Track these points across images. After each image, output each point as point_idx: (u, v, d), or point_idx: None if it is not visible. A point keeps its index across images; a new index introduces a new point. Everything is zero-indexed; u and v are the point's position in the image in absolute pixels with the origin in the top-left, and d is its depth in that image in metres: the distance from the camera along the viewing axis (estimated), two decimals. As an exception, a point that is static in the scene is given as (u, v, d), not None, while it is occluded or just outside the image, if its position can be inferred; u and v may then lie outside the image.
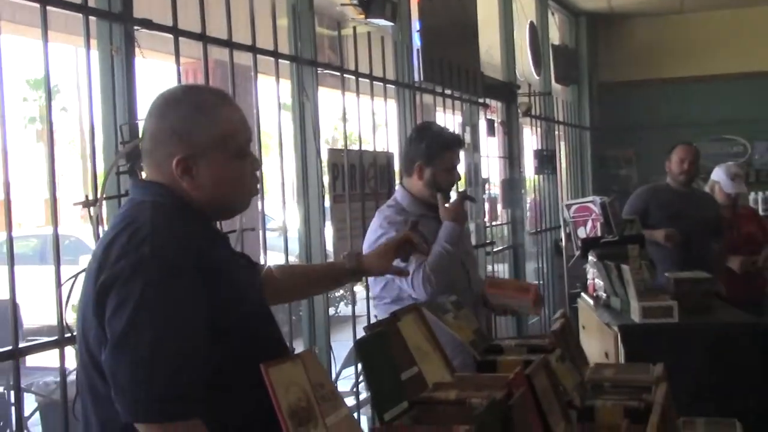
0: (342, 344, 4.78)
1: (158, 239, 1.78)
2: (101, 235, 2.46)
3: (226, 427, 1.79)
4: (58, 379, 6.54)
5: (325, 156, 4.12)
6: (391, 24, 4.91)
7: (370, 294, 3.53)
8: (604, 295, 4.42)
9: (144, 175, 1.99)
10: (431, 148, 3.43)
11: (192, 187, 1.89)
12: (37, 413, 6.96)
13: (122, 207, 1.99)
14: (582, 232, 5.80)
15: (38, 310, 6.93)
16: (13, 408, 6.80)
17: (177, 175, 1.88)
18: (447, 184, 3.49)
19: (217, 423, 1.76)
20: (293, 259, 4.02)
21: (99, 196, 2.56)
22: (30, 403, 7.04)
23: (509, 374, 1.99)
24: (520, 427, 1.81)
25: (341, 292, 9.66)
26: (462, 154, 3.63)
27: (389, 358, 1.89)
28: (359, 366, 4.48)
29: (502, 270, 6.83)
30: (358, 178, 4.33)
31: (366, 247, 3.43)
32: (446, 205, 3.45)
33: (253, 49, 3.55)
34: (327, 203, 4.17)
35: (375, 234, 3.42)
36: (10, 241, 2.45)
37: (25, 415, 7.01)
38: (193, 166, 1.88)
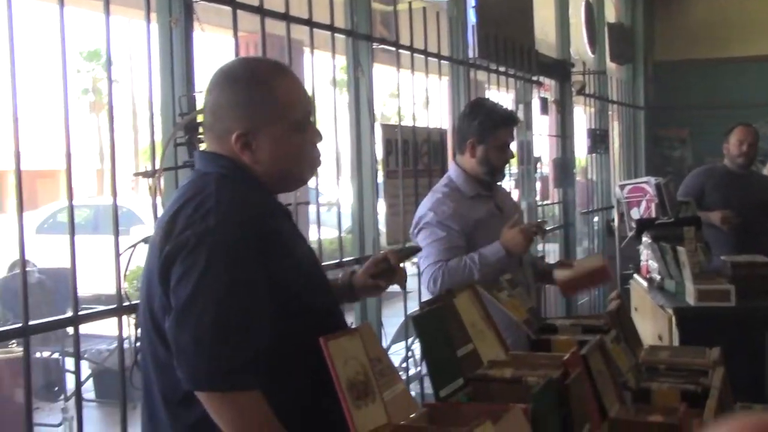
0: (391, 320, 4.80)
1: (223, 211, 1.80)
2: (163, 206, 2.50)
3: (284, 399, 1.80)
4: (111, 347, 6.67)
5: (378, 132, 4.11)
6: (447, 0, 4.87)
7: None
8: (658, 277, 4.37)
9: (203, 147, 2.00)
10: (484, 125, 3.37)
11: (252, 161, 1.89)
12: (90, 379, 7.11)
13: (187, 178, 2.01)
14: (636, 213, 5.74)
15: (90, 280, 7.05)
16: (67, 374, 6.98)
17: (237, 150, 1.88)
18: (500, 162, 3.44)
19: (274, 395, 1.77)
20: (345, 235, 4.02)
21: (158, 167, 2.58)
22: (83, 369, 7.20)
23: (564, 354, 1.98)
24: (576, 407, 1.80)
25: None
26: (515, 131, 3.57)
27: (446, 335, 1.88)
28: (411, 341, 4.49)
29: (553, 250, 6.78)
30: (411, 154, 4.31)
31: (415, 217, 3.42)
32: (513, 228, 3.26)
33: (309, 23, 3.54)
34: (380, 179, 4.16)
35: (420, 212, 3.41)
36: (71, 210, 2.48)
37: (80, 380, 7.18)
38: (252, 141, 1.88)
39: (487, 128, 3.37)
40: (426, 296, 3.16)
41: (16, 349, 6.59)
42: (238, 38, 3.15)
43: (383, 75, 4.48)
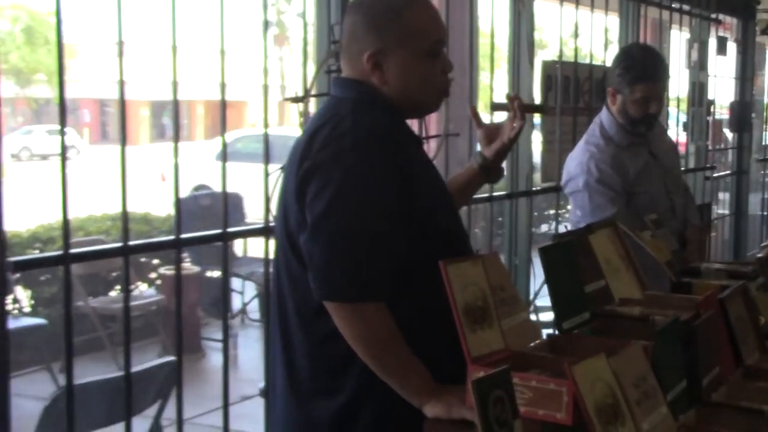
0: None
1: (358, 132, 1.87)
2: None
3: (404, 318, 1.85)
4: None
5: (538, 68, 4.05)
6: (620, -69, 4.70)
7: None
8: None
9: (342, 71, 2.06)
10: (622, 77, 3.22)
11: (381, 82, 1.95)
12: (256, 300, 7.46)
13: (324, 102, 2.09)
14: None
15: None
16: (234, 293, 7.35)
17: (367, 70, 1.94)
18: (637, 115, 3.24)
19: (396, 313, 1.83)
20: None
21: (307, 92, 2.66)
22: (250, 291, 7.57)
23: (701, 297, 1.93)
24: (704, 351, 1.75)
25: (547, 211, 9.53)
26: (661, 87, 3.33)
27: (574, 269, 1.87)
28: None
29: (722, 198, 6.51)
30: (572, 92, 4.23)
31: (565, 171, 3.35)
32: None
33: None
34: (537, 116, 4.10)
35: (574, 169, 3.28)
36: (224, 141, 2.60)
37: (246, 301, 7.55)
38: (383, 61, 1.94)
39: (625, 80, 3.22)
40: None
41: (190, 266, 7.01)
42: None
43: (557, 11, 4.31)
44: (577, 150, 3.36)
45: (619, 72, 3.25)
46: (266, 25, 2.77)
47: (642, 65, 3.24)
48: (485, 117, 2.46)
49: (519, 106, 2.20)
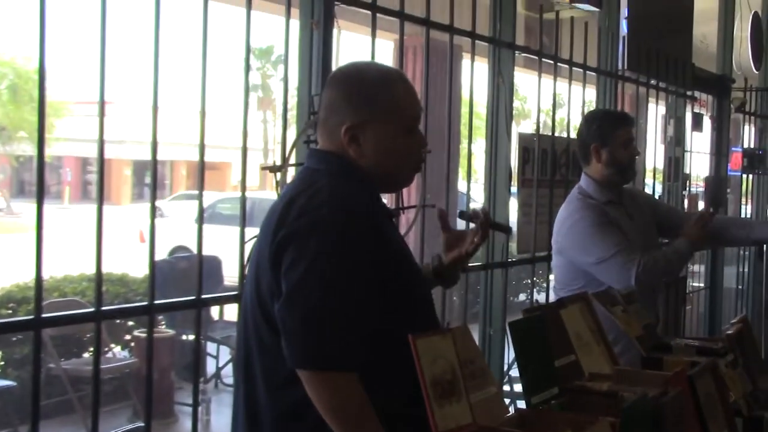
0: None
1: (335, 203, 1.90)
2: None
3: (374, 389, 1.85)
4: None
5: (515, 140, 4.11)
6: (597, 9, 4.80)
7: (553, 280, 3.48)
8: (803, 305, 4.16)
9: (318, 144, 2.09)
10: (603, 128, 3.40)
11: (358, 155, 1.98)
12: (230, 365, 7.39)
13: (299, 173, 2.12)
14: (789, 238, 5.45)
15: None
16: (209, 357, 7.28)
17: (344, 143, 1.98)
18: (627, 159, 3.42)
19: (366, 384, 1.83)
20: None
21: (285, 162, 2.69)
22: (225, 355, 7.50)
23: (670, 373, 1.94)
24: (672, 428, 1.76)
25: (526, 281, 9.56)
26: (633, 131, 3.53)
27: (544, 343, 1.88)
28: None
29: (698, 270, 6.57)
30: (549, 164, 4.28)
31: (555, 230, 3.41)
32: (692, 224, 3.41)
33: (450, 29, 3.58)
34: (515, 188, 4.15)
35: (563, 217, 3.40)
36: (200, 200, 2.61)
37: (220, 365, 7.48)
38: (360, 135, 1.97)
39: (607, 129, 3.40)
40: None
41: (164, 330, 6.96)
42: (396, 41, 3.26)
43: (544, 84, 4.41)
44: (562, 209, 3.48)
45: (597, 125, 3.43)
46: (247, 89, 2.81)
47: (615, 113, 3.67)
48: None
49: (483, 222, 2.23)
